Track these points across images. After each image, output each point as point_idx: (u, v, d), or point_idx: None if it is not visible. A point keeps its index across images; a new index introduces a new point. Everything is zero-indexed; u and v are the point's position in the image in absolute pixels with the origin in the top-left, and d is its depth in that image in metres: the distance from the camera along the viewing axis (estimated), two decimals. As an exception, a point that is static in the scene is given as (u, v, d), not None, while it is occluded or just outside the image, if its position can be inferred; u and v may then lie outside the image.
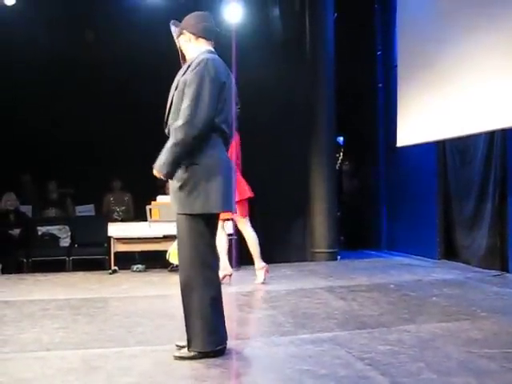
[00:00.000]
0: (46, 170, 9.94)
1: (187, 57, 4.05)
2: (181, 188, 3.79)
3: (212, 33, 4.09)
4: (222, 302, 3.87)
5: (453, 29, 7.38)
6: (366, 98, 10.87)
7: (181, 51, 4.10)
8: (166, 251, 7.82)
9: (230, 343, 3.95)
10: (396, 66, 9.14)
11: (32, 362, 3.84)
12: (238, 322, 4.88)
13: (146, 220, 8.09)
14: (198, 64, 3.80)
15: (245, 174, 7.17)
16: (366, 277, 7.39)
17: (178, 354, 3.83)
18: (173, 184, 3.86)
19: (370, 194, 11.01)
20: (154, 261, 8.56)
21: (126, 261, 8.48)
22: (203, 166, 3.77)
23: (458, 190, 8.42)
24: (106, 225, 8.36)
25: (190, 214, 3.78)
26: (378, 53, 10.63)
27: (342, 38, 9.78)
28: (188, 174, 3.77)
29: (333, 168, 9.88)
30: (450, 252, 8.62)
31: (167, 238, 7.97)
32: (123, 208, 10.05)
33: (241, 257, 8.17)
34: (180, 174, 3.80)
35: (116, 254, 8.23)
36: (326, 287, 6.59)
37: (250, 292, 6.54)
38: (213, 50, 4.03)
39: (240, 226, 7.07)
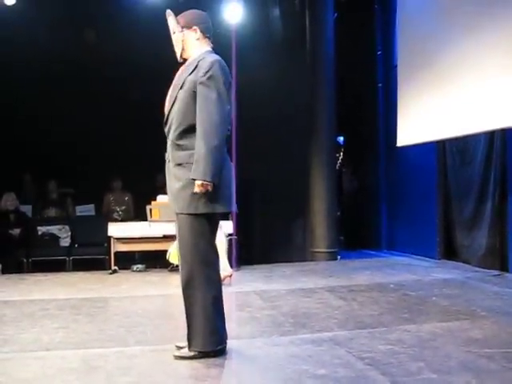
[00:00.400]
0: (46, 169, 9.93)
1: (188, 53, 3.99)
2: (184, 188, 3.78)
3: (211, 32, 4.08)
4: (222, 302, 3.87)
5: (453, 28, 7.38)
6: (365, 98, 10.88)
7: (180, 48, 4.00)
8: (166, 251, 7.82)
9: (230, 343, 3.95)
10: (396, 66, 9.15)
11: (32, 361, 3.85)
12: (237, 322, 4.88)
13: (146, 220, 8.10)
14: (211, 66, 3.77)
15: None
16: (366, 276, 7.39)
17: (178, 353, 3.83)
18: (174, 184, 3.85)
19: (370, 194, 11.01)
20: (154, 261, 8.56)
21: (126, 261, 8.48)
22: None
23: (458, 190, 8.42)
24: (106, 225, 8.36)
25: (193, 214, 3.78)
26: (378, 53, 10.64)
27: (342, 37, 9.78)
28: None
29: (333, 168, 9.88)
30: (450, 252, 8.62)
31: (167, 238, 7.97)
32: (123, 208, 10.04)
33: (240, 257, 8.20)
34: (182, 173, 3.79)
35: (116, 253, 8.23)
36: (326, 287, 6.60)
37: (250, 292, 6.54)
38: (212, 48, 4.02)
39: None
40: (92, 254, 9.01)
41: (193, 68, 3.85)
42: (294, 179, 9.47)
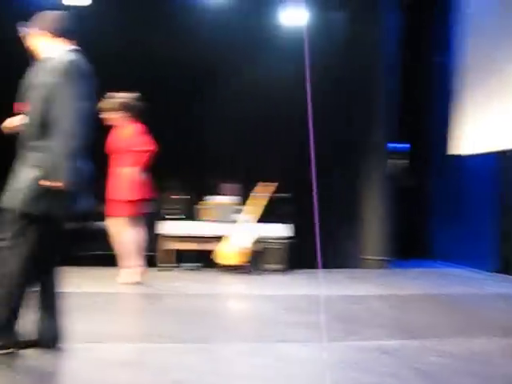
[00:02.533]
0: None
1: (40, 54, 3.93)
2: (29, 187, 3.68)
3: (69, 32, 3.99)
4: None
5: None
6: (423, 104, 10.70)
7: (32, 49, 3.96)
8: (214, 251, 7.92)
9: (279, 346, 3.95)
10: (456, 73, 8.97)
11: (81, 353, 3.87)
12: (287, 326, 4.88)
13: (195, 219, 8.25)
14: (63, 66, 3.71)
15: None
16: (418, 286, 7.31)
17: None
18: (19, 183, 3.73)
19: (425, 203, 10.84)
20: (208, 260, 8.57)
21: (180, 259, 8.51)
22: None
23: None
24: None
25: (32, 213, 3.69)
26: (439, 58, 10.42)
27: (403, 41, 9.68)
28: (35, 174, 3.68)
29: (387, 175, 9.76)
30: (504, 265, 8.42)
31: (215, 238, 8.05)
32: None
33: (299, 261, 8.17)
34: (32, 173, 3.69)
35: (169, 251, 8.29)
36: (377, 295, 6.54)
37: (300, 296, 6.52)
38: (72, 47, 3.94)
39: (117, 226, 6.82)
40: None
41: (45, 69, 3.79)
42: (346, 185, 9.41)
